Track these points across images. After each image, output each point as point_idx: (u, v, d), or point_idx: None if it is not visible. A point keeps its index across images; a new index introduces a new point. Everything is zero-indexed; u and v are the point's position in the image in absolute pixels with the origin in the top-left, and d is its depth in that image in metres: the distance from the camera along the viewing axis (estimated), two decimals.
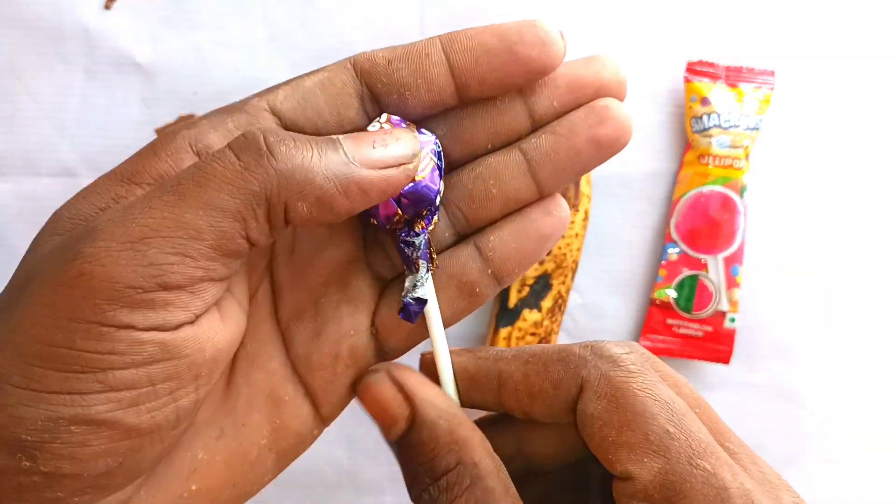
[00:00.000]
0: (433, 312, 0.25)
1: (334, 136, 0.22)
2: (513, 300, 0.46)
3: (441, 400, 0.23)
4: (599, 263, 0.48)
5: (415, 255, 0.24)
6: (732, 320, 0.47)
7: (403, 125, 0.24)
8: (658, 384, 0.22)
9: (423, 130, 0.25)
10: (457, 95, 0.24)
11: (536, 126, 0.25)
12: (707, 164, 0.47)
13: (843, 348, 0.48)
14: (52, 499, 0.20)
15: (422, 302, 0.25)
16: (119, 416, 0.20)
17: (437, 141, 0.25)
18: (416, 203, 0.24)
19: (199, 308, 0.21)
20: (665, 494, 0.21)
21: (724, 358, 0.47)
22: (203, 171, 0.20)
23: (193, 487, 0.23)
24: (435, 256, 0.25)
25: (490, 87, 0.24)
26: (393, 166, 0.22)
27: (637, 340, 0.48)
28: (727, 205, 0.47)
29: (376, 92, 0.24)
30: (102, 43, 0.48)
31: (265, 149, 0.20)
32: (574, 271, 0.47)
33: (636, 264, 0.48)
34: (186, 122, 0.24)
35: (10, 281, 0.22)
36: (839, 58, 0.48)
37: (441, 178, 0.24)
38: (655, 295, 0.47)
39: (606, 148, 0.25)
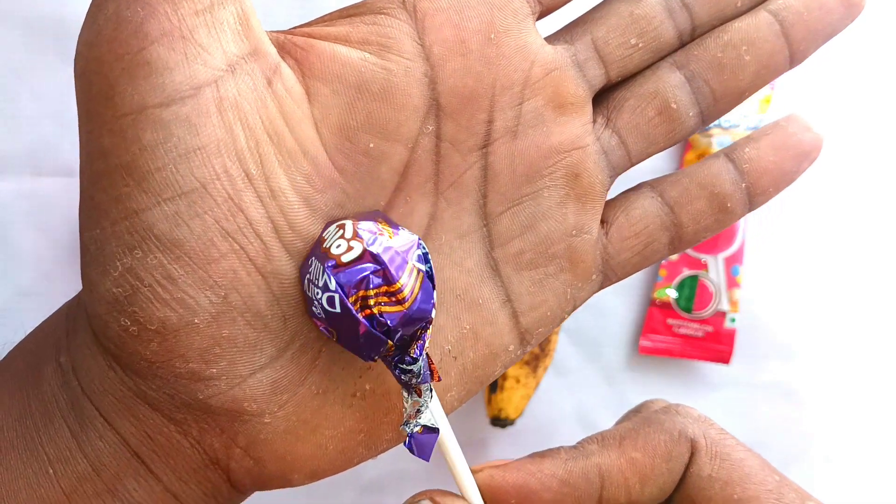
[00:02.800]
0: (447, 438, 0.22)
1: None
2: None
3: None
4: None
5: (414, 381, 0.20)
6: (733, 320, 0.47)
7: (375, 226, 0.20)
8: (736, 439, 0.23)
9: (398, 229, 0.21)
10: None
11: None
12: None
13: (843, 348, 0.48)
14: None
15: (433, 430, 0.21)
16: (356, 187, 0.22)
17: (420, 241, 0.21)
18: (409, 329, 0.20)
19: None
20: None
21: (725, 358, 0.47)
22: None
23: (368, 386, 0.22)
24: (436, 371, 0.21)
25: None
26: None
27: (637, 340, 0.48)
28: None
29: None
30: None
31: None
32: None
33: None
34: None
35: None
36: (839, 58, 0.48)
37: (433, 287, 0.20)
38: (655, 295, 0.47)
39: (854, 6, 0.24)
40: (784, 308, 0.48)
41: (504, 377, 0.46)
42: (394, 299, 0.19)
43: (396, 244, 0.20)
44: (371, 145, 0.21)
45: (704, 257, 0.47)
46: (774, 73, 0.25)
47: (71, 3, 0.48)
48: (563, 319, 0.24)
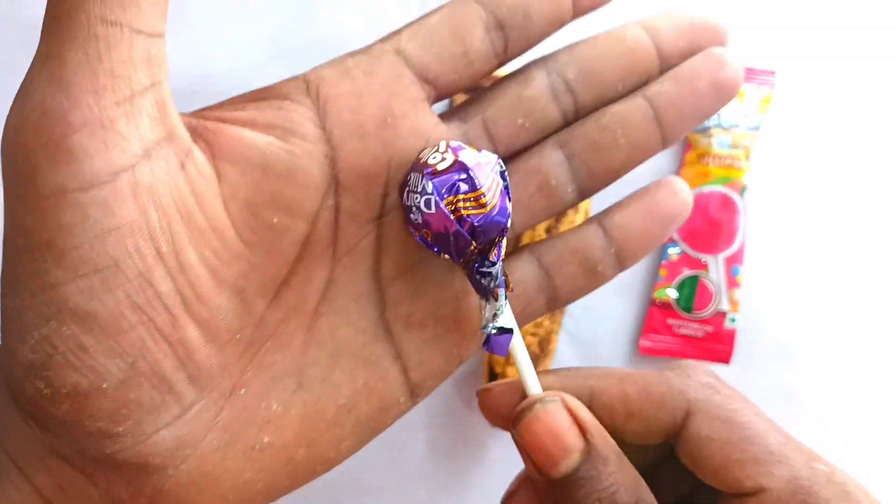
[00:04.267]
0: (517, 341, 0.24)
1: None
2: None
3: (608, 436, 0.23)
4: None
5: (492, 284, 0.23)
6: (733, 320, 0.47)
7: (464, 148, 0.23)
8: (750, 405, 0.24)
9: (481, 150, 0.24)
10: (573, 9, 0.25)
11: (664, 63, 0.26)
12: (707, 164, 0.47)
13: (843, 348, 0.48)
14: (92, 431, 0.20)
15: (507, 331, 0.24)
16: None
17: (500, 160, 0.24)
18: (489, 233, 0.23)
19: None
20: (799, 499, 0.21)
21: (725, 358, 0.47)
22: None
23: (266, 440, 0.23)
24: (510, 281, 0.24)
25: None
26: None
27: (637, 340, 0.48)
28: (728, 205, 0.47)
29: (500, 16, 0.24)
30: None
31: None
32: None
33: (636, 264, 0.48)
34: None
35: None
36: (839, 57, 0.48)
37: (510, 200, 0.24)
38: (656, 295, 0.47)
39: (727, 91, 0.26)
40: (784, 308, 0.48)
41: (504, 377, 0.45)
42: (478, 203, 0.22)
43: (482, 158, 0.23)
44: (275, 220, 0.23)
45: (704, 257, 0.47)
46: (647, 154, 0.26)
47: None
48: (450, 373, 0.27)
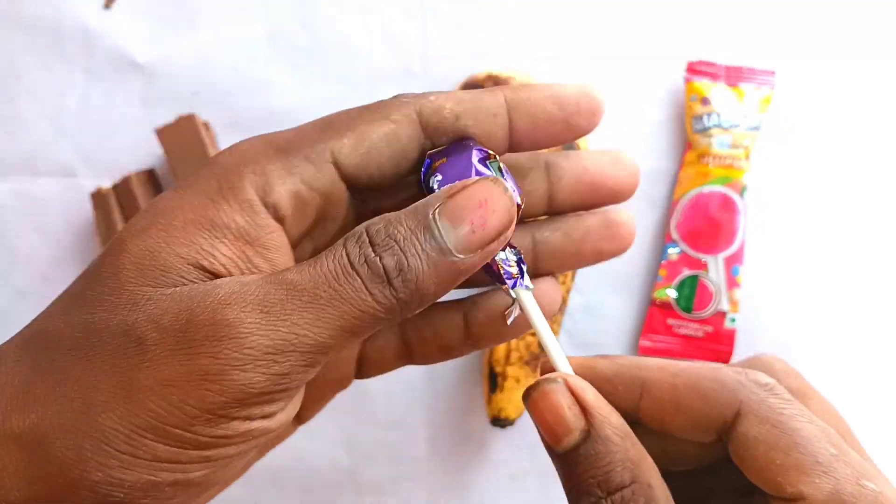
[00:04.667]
0: (542, 325, 0.25)
1: (429, 215, 0.22)
2: None
3: (614, 417, 0.23)
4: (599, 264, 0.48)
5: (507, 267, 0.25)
6: (733, 320, 0.47)
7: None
8: (806, 412, 0.24)
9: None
10: (507, 150, 0.26)
11: (550, 205, 0.28)
12: (707, 164, 0.47)
13: (843, 348, 0.48)
14: None
15: (529, 289, 0.25)
16: (210, 478, 0.21)
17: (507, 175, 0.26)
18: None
19: (293, 399, 0.23)
20: None
21: (725, 358, 0.47)
22: (338, 293, 0.21)
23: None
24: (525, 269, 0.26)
25: (537, 147, 0.26)
26: (493, 241, 0.22)
27: (637, 340, 0.48)
28: (727, 205, 0.47)
29: (438, 143, 0.25)
30: (102, 43, 0.48)
31: (390, 278, 0.21)
32: (574, 271, 0.47)
33: (636, 264, 0.48)
34: (238, 149, 0.24)
35: (79, 290, 0.22)
36: (839, 58, 0.48)
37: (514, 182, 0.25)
38: (656, 295, 0.47)
39: (606, 258, 0.28)
40: (784, 308, 0.48)
41: (504, 377, 0.45)
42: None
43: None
44: None
45: (704, 257, 0.47)
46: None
47: (69, 6, 0.48)
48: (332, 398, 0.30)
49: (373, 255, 0.21)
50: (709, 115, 0.47)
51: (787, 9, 0.48)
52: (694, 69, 0.47)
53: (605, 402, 0.24)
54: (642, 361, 0.25)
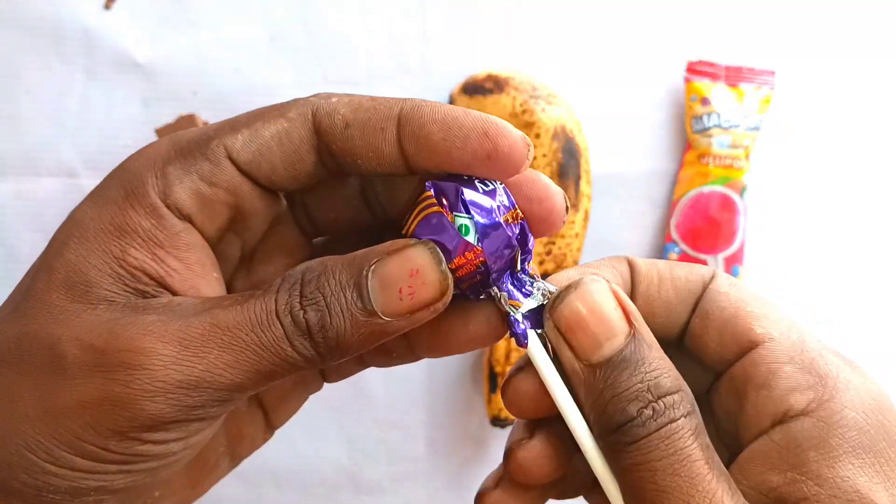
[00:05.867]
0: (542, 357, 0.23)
1: (362, 272, 0.21)
2: None
3: (646, 326, 0.22)
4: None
5: (525, 288, 0.23)
6: None
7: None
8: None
9: (485, 190, 0.23)
10: (408, 171, 0.24)
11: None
12: (707, 164, 0.47)
13: (842, 348, 0.48)
14: None
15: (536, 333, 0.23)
16: (138, 485, 0.22)
17: (495, 208, 0.23)
18: (498, 262, 0.22)
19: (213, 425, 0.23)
20: (806, 357, 0.23)
21: None
22: (259, 339, 0.21)
23: (156, 494, 0.24)
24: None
25: (436, 169, 0.23)
26: (420, 310, 0.22)
27: None
28: (727, 205, 0.47)
29: (333, 150, 0.23)
30: (102, 43, 0.48)
31: (311, 332, 0.21)
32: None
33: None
34: (145, 153, 0.24)
35: (14, 303, 0.23)
36: (839, 58, 0.48)
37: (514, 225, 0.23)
38: None
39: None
40: (784, 307, 0.48)
41: (504, 377, 0.45)
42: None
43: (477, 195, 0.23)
44: None
45: (704, 257, 0.47)
46: None
47: (69, 6, 0.48)
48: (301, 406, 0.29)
49: (298, 307, 0.21)
50: (709, 115, 0.47)
51: (787, 9, 0.48)
52: (694, 69, 0.47)
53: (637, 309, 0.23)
54: (628, 257, 0.25)
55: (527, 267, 0.23)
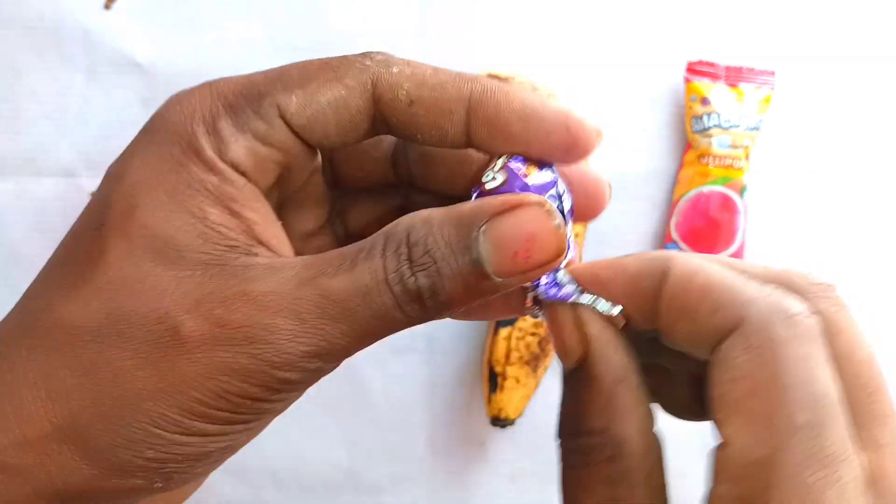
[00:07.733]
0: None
1: (472, 234, 0.20)
2: None
3: (617, 357, 0.21)
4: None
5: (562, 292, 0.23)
6: None
7: (523, 168, 0.22)
8: (817, 361, 0.20)
9: (542, 169, 0.23)
10: (468, 146, 0.24)
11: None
12: (707, 164, 0.47)
13: None
14: None
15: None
16: (252, 437, 0.23)
17: (558, 181, 0.23)
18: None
19: None
20: (750, 486, 0.18)
21: None
22: (370, 308, 0.21)
23: None
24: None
25: (505, 151, 0.23)
26: (534, 270, 0.21)
27: None
28: (727, 205, 0.47)
29: (391, 122, 0.23)
30: (102, 43, 0.48)
31: (423, 298, 0.21)
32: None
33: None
34: (187, 103, 0.23)
35: (81, 277, 0.22)
36: (839, 59, 0.48)
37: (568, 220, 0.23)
38: None
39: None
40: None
41: (504, 377, 0.45)
42: None
43: (532, 181, 0.22)
44: None
45: None
46: None
47: (69, 6, 0.48)
48: None
49: (408, 273, 0.21)
50: (709, 115, 0.47)
51: (788, 9, 0.48)
52: (694, 69, 0.47)
53: (611, 336, 0.22)
54: (670, 254, 0.23)
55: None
